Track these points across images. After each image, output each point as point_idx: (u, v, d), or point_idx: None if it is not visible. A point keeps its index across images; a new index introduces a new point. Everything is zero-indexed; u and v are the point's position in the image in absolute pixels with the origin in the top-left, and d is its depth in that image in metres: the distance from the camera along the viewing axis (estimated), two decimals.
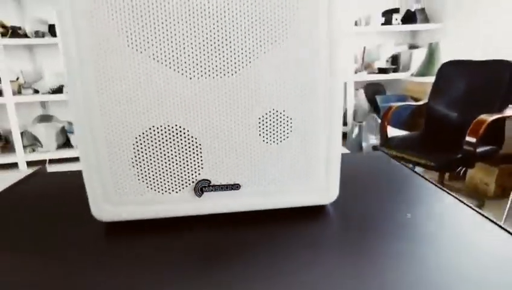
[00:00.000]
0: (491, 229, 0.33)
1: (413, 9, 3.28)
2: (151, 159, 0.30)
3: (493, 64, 1.80)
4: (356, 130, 2.80)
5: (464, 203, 0.38)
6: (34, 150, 2.96)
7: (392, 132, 2.26)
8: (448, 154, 1.64)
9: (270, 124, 0.29)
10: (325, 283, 0.23)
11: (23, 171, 2.84)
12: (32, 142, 3.00)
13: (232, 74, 0.29)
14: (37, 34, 2.75)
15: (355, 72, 3.39)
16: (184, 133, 0.29)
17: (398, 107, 2.05)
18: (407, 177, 0.43)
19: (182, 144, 0.30)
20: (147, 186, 0.30)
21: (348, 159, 0.50)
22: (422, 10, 3.35)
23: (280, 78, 0.29)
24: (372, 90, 3.60)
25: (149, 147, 0.30)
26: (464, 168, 2.19)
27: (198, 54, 0.28)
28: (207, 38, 0.28)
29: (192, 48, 0.28)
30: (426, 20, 3.35)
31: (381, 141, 2.01)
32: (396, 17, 3.25)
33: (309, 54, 0.28)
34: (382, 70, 3.32)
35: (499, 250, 0.29)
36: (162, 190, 0.30)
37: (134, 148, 0.29)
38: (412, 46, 3.49)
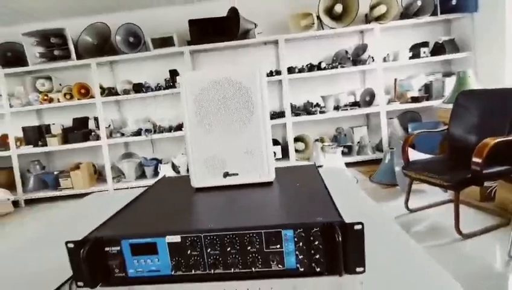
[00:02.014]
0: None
1: (441, 41, 3.49)
2: (213, 164, 0.74)
3: (502, 93, 1.98)
4: (388, 156, 3.00)
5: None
6: (119, 181, 3.73)
7: (417, 155, 2.46)
8: (460, 174, 1.83)
9: (250, 149, 0.71)
10: (267, 197, 0.62)
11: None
12: (118, 174, 3.79)
13: (236, 127, 0.73)
14: (125, 92, 3.62)
15: (388, 103, 3.63)
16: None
17: (417, 135, 2.29)
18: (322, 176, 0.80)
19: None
20: (208, 175, 0.74)
21: (290, 169, 0.86)
22: (452, 40, 3.54)
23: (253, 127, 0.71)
24: (409, 118, 3.77)
25: (206, 160, 0.74)
26: (490, 188, 2.28)
27: (225, 120, 0.72)
28: (226, 111, 0.72)
29: (219, 116, 0.72)
30: (456, 49, 3.51)
31: (404, 164, 2.24)
32: (424, 50, 3.49)
33: (256, 114, 0.70)
34: (415, 99, 3.51)
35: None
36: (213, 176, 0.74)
37: (205, 164, 0.74)
38: (446, 74, 3.63)
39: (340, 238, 0.42)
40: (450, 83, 3.34)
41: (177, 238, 0.46)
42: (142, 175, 3.81)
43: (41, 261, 0.74)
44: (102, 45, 3.62)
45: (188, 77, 0.64)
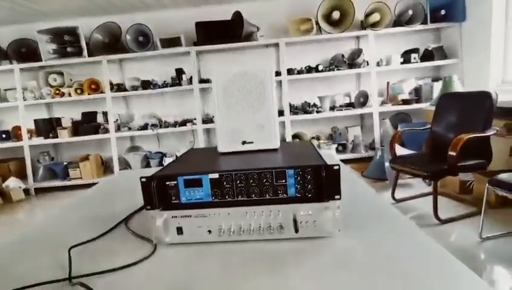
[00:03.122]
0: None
1: (430, 48, 3.75)
2: (233, 135, 0.96)
3: (477, 95, 2.23)
4: (379, 153, 3.25)
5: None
6: None
7: (404, 151, 2.70)
8: (438, 165, 2.07)
9: (262, 124, 0.94)
10: (276, 156, 0.85)
11: None
12: (124, 166, 4.00)
13: (252, 108, 0.95)
14: (133, 88, 3.83)
15: (381, 104, 3.88)
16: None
17: (403, 131, 2.53)
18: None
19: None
20: (230, 143, 0.96)
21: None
22: (440, 48, 3.80)
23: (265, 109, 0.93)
24: (400, 119, 4.02)
25: (229, 131, 0.96)
26: (469, 182, 2.52)
27: (244, 103, 0.95)
28: (245, 96, 0.94)
29: (239, 100, 0.95)
30: (444, 56, 3.78)
31: (391, 159, 2.47)
32: (415, 56, 3.75)
33: (268, 100, 0.92)
34: (405, 102, 3.76)
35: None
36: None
37: (228, 134, 0.96)
38: (434, 79, 3.89)
39: (324, 174, 0.65)
40: (438, 87, 3.60)
41: (216, 175, 0.68)
42: (147, 167, 4.02)
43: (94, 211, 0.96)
44: (112, 43, 3.84)
45: (218, 71, 0.87)
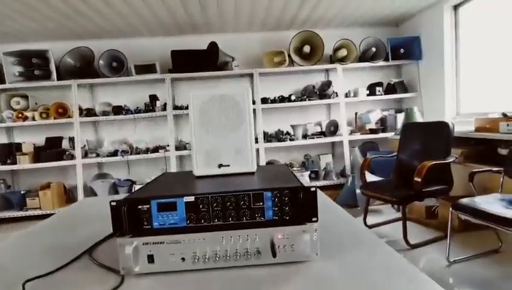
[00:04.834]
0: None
1: (392, 82, 4.06)
2: (210, 158, 0.95)
3: (436, 125, 2.41)
4: (350, 179, 3.34)
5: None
6: None
7: (374, 178, 2.80)
8: (405, 191, 2.16)
9: (239, 147, 0.94)
10: (252, 179, 0.84)
11: None
12: (89, 194, 3.76)
13: (229, 131, 0.95)
14: (103, 113, 3.72)
15: (350, 133, 4.06)
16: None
17: (371, 159, 2.64)
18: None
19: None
20: (206, 166, 0.94)
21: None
22: (401, 82, 4.12)
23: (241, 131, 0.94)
24: (368, 147, 4.20)
25: (205, 155, 0.95)
26: (434, 207, 2.64)
27: (221, 126, 0.95)
28: (222, 119, 0.94)
29: (216, 123, 0.95)
30: (405, 90, 4.09)
31: (362, 185, 2.55)
32: (379, 89, 4.02)
33: (245, 122, 0.94)
34: (373, 131, 3.97)
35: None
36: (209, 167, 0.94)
37: (204, 157, 0.94)
38: (397, 111, 4.17)
39: (302, 196, 0.65)
40: (401, 118, 3.85)
41: (191, 198, 0.66)
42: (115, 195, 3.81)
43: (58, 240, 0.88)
44: (84, 68, 3.76)
45: (195, 94, 0.87)
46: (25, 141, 3.77)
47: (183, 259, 0.66)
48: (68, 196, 3.81)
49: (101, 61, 3.68)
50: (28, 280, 0.63)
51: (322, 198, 1.13)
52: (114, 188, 3.79)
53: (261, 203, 0.66)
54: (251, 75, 3.95)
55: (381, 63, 3.98)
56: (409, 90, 4.09)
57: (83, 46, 3.69)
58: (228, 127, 0.88)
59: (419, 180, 2.06)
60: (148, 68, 3.74)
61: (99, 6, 2.98)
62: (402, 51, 4.01)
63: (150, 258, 0.66)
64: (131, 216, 0.65)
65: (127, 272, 0.65)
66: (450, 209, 1.86)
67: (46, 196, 3.56)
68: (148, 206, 0.66)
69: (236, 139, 0.88)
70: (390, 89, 4.07)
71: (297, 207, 0.66)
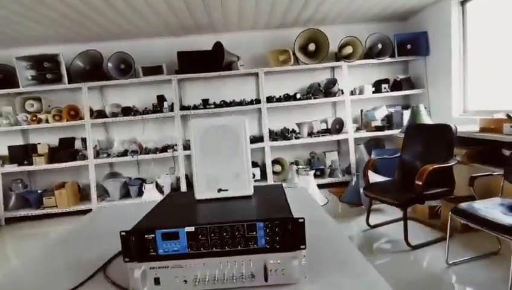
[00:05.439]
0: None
1: (399, 79, 4.03)
2: (210, 183, 1.02)
3: (440, 127, 2.42)
4: (355, 179, 3.38)
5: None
6: (103, 199, 3.85)
7: (377, 178, 2.84)
8: (406, 194, 2.20)
9: (237, 172, 1.01)
10: (248, 205, 0.91)
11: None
12: (102, 193, 3.92)
13: (227, 157, 1.02)
14: (113, 115, 3.83)
15: (356, 130, 4.08)
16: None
17: (375, 160, 2.68)
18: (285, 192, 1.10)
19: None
20: (207, 190, 1.02)
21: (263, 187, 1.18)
22: (408, 79, 4.09)
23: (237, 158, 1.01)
24: (373, 145, 4.21)
25: (206, 179, 1.02)
26: (437, 207, 2.67)
27: (220, 153, 1.02)
28: (220, 146, 1.01)
29: (215, 150, 1.01)
30: (412, 86, 4.06)
31: (364, 186, 2.60)
32: (385, 86, 4.00)
33: (242, 150, 1.00)
34: (378, 128, 3.98)
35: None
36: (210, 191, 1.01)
37: (206, 177, 1.02)
38: (404, 107, 4.15)
39: (290, 227, 0.72)
40: (408, 114, 3.84)
41: (192, 229, 0.74)
42: (126, 194, 3.96)
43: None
44: (93, 71, 3.86)
45: (197, 122, 0.94)
46: (40, 142, 3.93)
47: (185, 281, 0.74)
48: (82, 194, 3.98)
49: (109, 64, 3.77)
50: None
51: (316, 214, 1.19)
52: (125, 187, 3.93)
53: (254, 233, 0.74)
54: (256, 74, 3.98)
55: (387, 59, 3.95)
56: (416, 87, 4.06)
57: (91, 49, 3.78)
58: (227, 154, 0.94)
59: (420, 183, 2.09)
60: (155, 70, 3.81)
61: (107, 11, 3.05)
62: (409, 46, 3.96)
63: (157, 281, 0.74)
64: (139, 244, 0.73)
65: None
66: (450, 213, 1.90)
67: (61, 195, 3.72)
68: (153, 235, 0.74)
69: (234, 165, 0.95)
70: (396, 85, 4.05)
71: (287, 236, 0.73)
